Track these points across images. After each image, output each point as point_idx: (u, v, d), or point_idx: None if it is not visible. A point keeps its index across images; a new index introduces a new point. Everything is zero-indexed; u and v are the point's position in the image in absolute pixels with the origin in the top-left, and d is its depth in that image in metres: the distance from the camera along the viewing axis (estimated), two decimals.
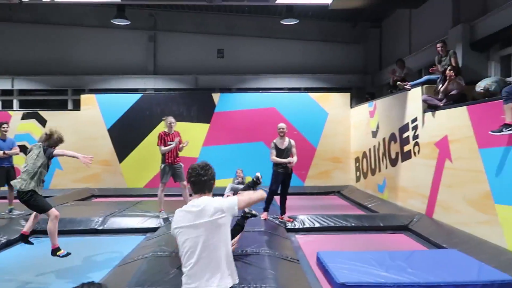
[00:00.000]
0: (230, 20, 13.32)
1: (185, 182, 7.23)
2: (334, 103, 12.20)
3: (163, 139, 7.26)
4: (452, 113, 6.46)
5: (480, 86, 6.32)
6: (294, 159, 6.98)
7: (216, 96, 12.16)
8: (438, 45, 7.42)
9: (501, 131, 4.81)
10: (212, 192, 2.89)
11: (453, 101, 6.67)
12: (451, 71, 6.78)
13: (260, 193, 3.05)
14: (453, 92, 6.70)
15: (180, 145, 7.42)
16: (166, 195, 7.59)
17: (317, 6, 10.86)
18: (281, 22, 11.34)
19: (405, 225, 6.99)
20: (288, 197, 7.33)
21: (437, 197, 6.90)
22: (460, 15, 8.12)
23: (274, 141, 7.06)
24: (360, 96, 12.90)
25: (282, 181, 7.08)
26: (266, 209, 7.13)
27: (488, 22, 7.41)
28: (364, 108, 10.91)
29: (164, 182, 7.34)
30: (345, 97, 12.31)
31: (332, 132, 12.11)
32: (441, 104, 6.83)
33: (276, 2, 8.15)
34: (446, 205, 6.59)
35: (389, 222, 7.14)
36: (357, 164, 11.45)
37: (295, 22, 11.36)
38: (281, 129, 7.06)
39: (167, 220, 7.02)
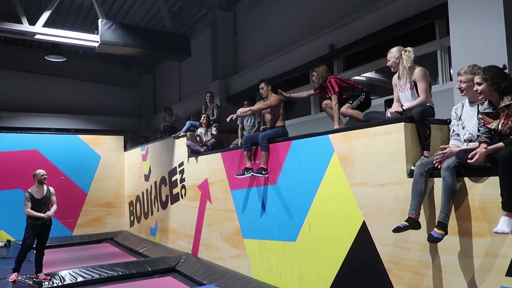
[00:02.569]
0: None
1: None
2: (107, 146, 11.77)
3: None
4: (210, 158, 7.18)
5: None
6: (52, 210, 6.36)
7: None
8: (208, 94, 8.22)
9: (244, 174, 5.63)
10: None
11: (212, 148, 7.44)
12: (204, 120, 7.58)
13: None
14: (210, 140, 7.48)
15: None
16: None
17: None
18: (46, 57, 10.50)
19: (173, 267, 7.20)
20: (53, 250, 6.55)
21: (200, 236, 7.41)
22: (218, 72, 9.29)
23: (29, 190, 6.29)
24: (135, 139, 12.94)
25: (39, 234, 6.31)
26: (16, 269, 6.18)
27: (239, 81, 8.73)
28: (137, 152, 10.95)
29: None
30: (118, 140, 12.04)
31: (105, 176, 11.59)
32: (202, 150, 7.51)
33: (35, 37, 7.48)
34: (208, 243, 7.14)
35: (157, 266, 7.20)
36: (131, 208, 11.27)
37: (63, 60, 10.70)
38: (43, 176, 6.36)
39: None
